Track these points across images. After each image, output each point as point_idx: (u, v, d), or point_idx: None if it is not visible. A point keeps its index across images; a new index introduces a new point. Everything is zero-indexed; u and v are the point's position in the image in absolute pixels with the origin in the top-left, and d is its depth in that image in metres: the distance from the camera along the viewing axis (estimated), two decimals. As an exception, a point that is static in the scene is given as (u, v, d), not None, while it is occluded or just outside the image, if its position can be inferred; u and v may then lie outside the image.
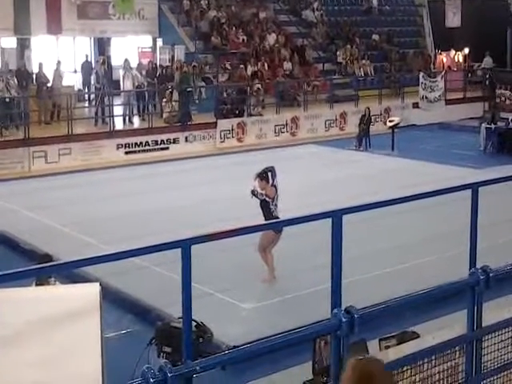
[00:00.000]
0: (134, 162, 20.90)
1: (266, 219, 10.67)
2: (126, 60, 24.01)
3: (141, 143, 21.77)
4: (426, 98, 27.64)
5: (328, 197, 15.05)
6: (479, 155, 22.27)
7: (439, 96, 27.85)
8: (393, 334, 5.96)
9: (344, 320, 3.79)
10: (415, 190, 5.17)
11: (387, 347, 5.46)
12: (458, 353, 4.46)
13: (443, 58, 32.32)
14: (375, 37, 32.11)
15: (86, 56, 26.24)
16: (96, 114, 23.19)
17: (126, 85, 23.42)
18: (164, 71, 25.19)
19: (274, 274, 11.12)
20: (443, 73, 28.96)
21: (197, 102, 24.86)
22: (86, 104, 24.63)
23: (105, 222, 14.56)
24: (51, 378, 3.17)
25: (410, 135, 24.81)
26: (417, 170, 19.64)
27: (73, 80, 25.60)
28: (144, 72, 24.46)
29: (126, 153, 21.49)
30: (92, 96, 24.47)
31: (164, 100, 23.99)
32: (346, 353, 3.91)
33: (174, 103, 23.97)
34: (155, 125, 22.41)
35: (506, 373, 4.68)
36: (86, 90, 25.12)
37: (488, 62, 31.29)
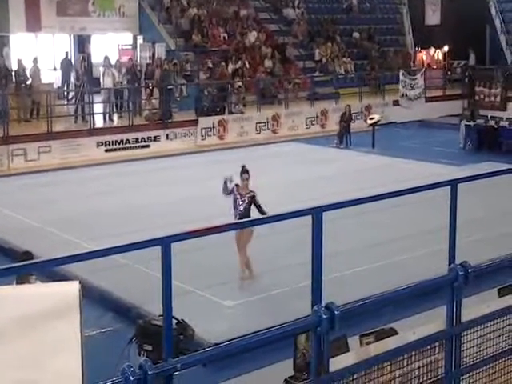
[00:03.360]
0: (115, 159, 20.83)
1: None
2: (106, 57, 23.90)
3: (121, 141, 21.69)
4: (406, 95, 27.78)
5: (309, 194, 15.08)
6: (459, 152, 22.43)
7: (419, 94, 28.01)
8: (372, 331, 6.00)
9: (324, 317, 3.80)
10: (395, 187, 5.20)
11: (368, 343, 5.49)
12: (437, 348, 4.49)
13: (423, 55, 32.50)
14: (356, 35, 32.23)
15: (66, 53, 26.11)
16: (76, 111, 23.08)
17: (106, 82, 23.32)
18: (145, 69, 25.12)
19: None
20: (423, 70, 29.13)
21: (178, 99, 24.81)
22: (66, 101, 24.49)
23: (85, 219, 14.50)
24: (31, 376, 3.16)
25: (390, 133, 24.94)
26: (397, 167, 19.74)
27: (52, 77, 25.45)
28: (124, 69, 24.35)
29: (107, 150, 21.41)
30: (72, 93, 24.34)
31: (144, 98, 23.91)
32: (327, 349, 3.93)
33: (154, 101, 23.90)
34: (135, 122, 22.34)
35: (484, 368, 4.72)
36: (66, 88, 24.99)
37: (473, 59, 31.54)
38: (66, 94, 25.02)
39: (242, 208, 10.86)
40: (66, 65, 25.55)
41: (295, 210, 4.48)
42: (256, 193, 10.98)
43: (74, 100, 23.79)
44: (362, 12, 33.81)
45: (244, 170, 11.09)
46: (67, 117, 23.06)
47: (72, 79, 24.49)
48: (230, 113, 24.40)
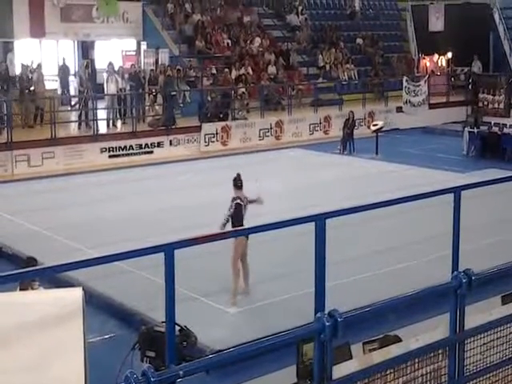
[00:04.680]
0: (118, 165, 20.84)
1: (234, 226, 10.42)
2: (110, 63, 23.94)
3: (125, 147, 21.71)
4: (410, 102, 27.78)
5: (312, 201, 15.07)
6: (462, 159, 22.41)
7: (423, 100, 28.00)
8: (375, 338, 5.99)
9: (327, 324, 3.79)
10: (398, 193, 5.20)
11: (371, 350, 5.48)
12: (440, 356, 4.47)
13: (426, 62, 32.50)
14: (359, 41, 32.27)
15: (64, 59, 26.14)
16: (79, 117, 23.11)
17: (110, 88, 23.36)
18: (148, 75, 25.17)
19: (243, 282, 10.93)
20: (426, 77, 29.11)
21: (181, 105, 24.84)
22: (68, 107, 24.54)
23: (88, 226, 14.50)
24: (34, 381, 3.16)
25: (393, 139, 24.93)
26: (400, 173, 19.73)
27: (56, 83, 25.50)
28: (126, 75, 24.38)
29: (110, 156, 21.42)
30: (74, 99, 24.39)
31: (147, 104, 23.94)
32: (330, 356, 3.92)
33: (157, 107, 23.93)
34: (139, 129, 22.37)
35: (488, 375, 4.70)
36: (63, 94, 25.03)
37: (477, 65, 31.52)
38: (68, 100, 25.06)
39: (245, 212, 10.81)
40: (64, 71, 25.61)
41: (298, 217, 4.48)
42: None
43: (77, 106, 23.83)
44: (366, 18, 33.85)
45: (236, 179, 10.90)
46: (71, 123, 23.10)
47: (75, 84, 24.53)
48: (234, 119, 24.41)
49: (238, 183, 10.87)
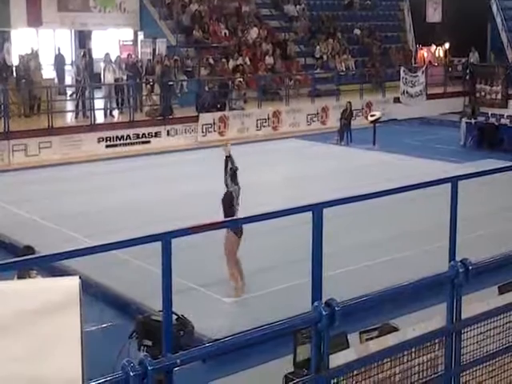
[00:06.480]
0: (115, 155, 20.81)
1: (225, 216, 10.21)
2: (107, 53, 23.90)
3: (122, 137, 21.68)
4: (407, 92, 27.75)
5: (309, 191, 15.09)
6: (459, 149, 22.42)
7: (420, 91, 27.97)
8: (373, 327, 6.00)
9: (324, 313, 3.80)
10: (396, 183, 5.19)
11: (368, 340, 5.49)
12: (437, 345, 4.49)
13: (424, 52, 32.48)
14: (356, 31, 32.21)
15: (59, 49, 26.07)
16: (77, 107, 23.07)
17: (107, 78, 23.31)
18: (146, 65, 25.12)
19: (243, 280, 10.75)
20: (424, 68, 29.09)
21: (178, 95, 24.81)
22: (65, 97, 24.48)
23: (86, 215, 14.50)
24: (30, 370, 3.16)
25: (391, 130, 24.92)
26: (397, 164, 19.73)
27: (53, 73, 25.46)
28: (123, 65, 24.32)
29: (107, 146, 21.39)
30: (71, 89, 24.34)
31: (145, 94, 23.91)
32: (327, 345, 3.93)
33: (155, 97, 23.89)
34: (136, 118, 22.33)
35: (484, 365, 4.72)
36: (59, 83, 24.99)
37: (474, 56, 31.51)
38: (64, 89, 25.01)
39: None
40: (59, 60, 25.54)
41: (295, 207, 4.48)
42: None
43: (74, 95, 23.79)
44: (363, 9, 33.77)
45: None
46: (68, 112, 23.05)
47: (72, 74, 24.49)
48: (231, 109, 24.38)
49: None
